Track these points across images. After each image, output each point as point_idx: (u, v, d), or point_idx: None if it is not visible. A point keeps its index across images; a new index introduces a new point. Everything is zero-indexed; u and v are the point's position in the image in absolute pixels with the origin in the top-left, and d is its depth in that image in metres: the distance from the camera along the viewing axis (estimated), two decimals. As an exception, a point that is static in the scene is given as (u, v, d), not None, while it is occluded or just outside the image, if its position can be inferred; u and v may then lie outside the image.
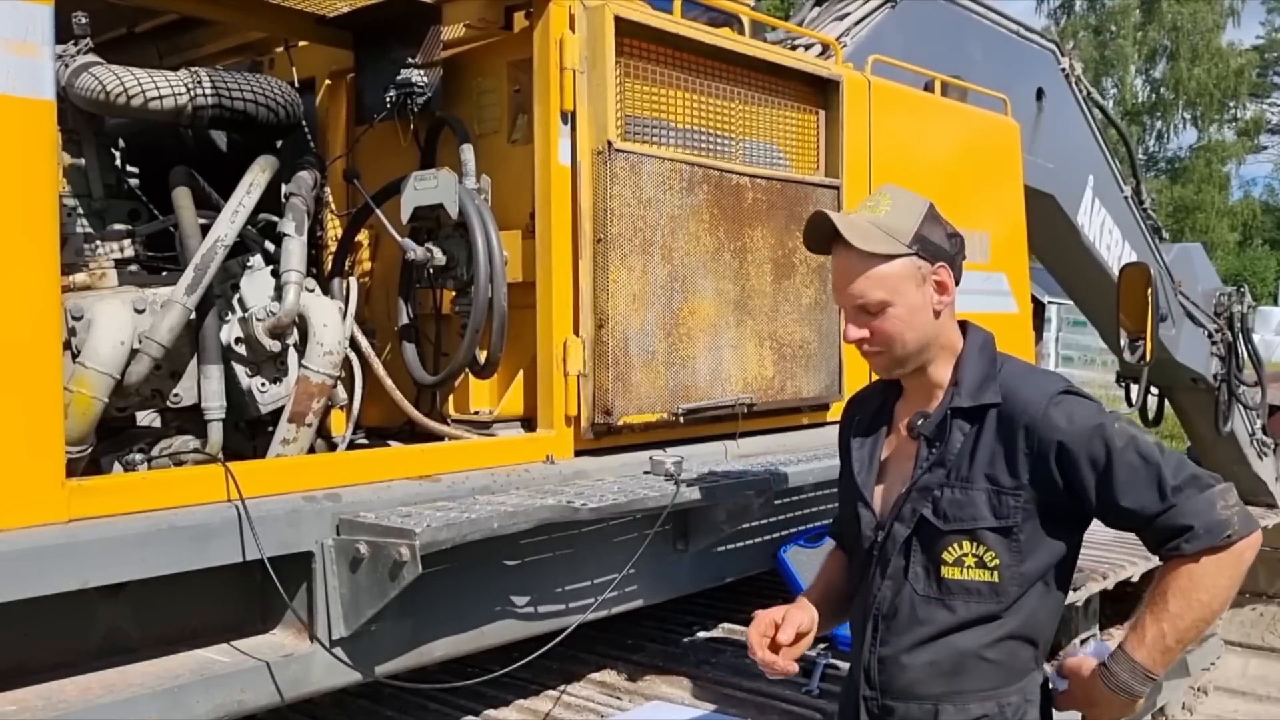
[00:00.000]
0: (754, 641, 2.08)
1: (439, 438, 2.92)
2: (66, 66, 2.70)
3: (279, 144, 3.06)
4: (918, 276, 2.00)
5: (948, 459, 2.00)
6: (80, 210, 2.81)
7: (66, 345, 2.44)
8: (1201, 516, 1.85)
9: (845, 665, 2.49)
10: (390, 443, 3.03)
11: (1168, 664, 1.91)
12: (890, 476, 2.11)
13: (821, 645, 3.03)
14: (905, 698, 2.01)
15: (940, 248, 2.02)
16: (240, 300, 2.79)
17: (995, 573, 1.94)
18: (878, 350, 2.03)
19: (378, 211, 3.02)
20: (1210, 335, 6.97)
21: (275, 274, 2.79)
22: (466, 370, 2.96)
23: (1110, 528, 1.97)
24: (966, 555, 1.96)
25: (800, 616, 2.11)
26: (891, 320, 2.00)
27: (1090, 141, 6.15)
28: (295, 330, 2.78)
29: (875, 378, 2.24)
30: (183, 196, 2.73)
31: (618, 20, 2.89)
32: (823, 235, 2.04)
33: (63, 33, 2.61)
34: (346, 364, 2.84)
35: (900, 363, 2.04)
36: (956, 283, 2.07)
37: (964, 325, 2.12)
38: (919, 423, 2.06)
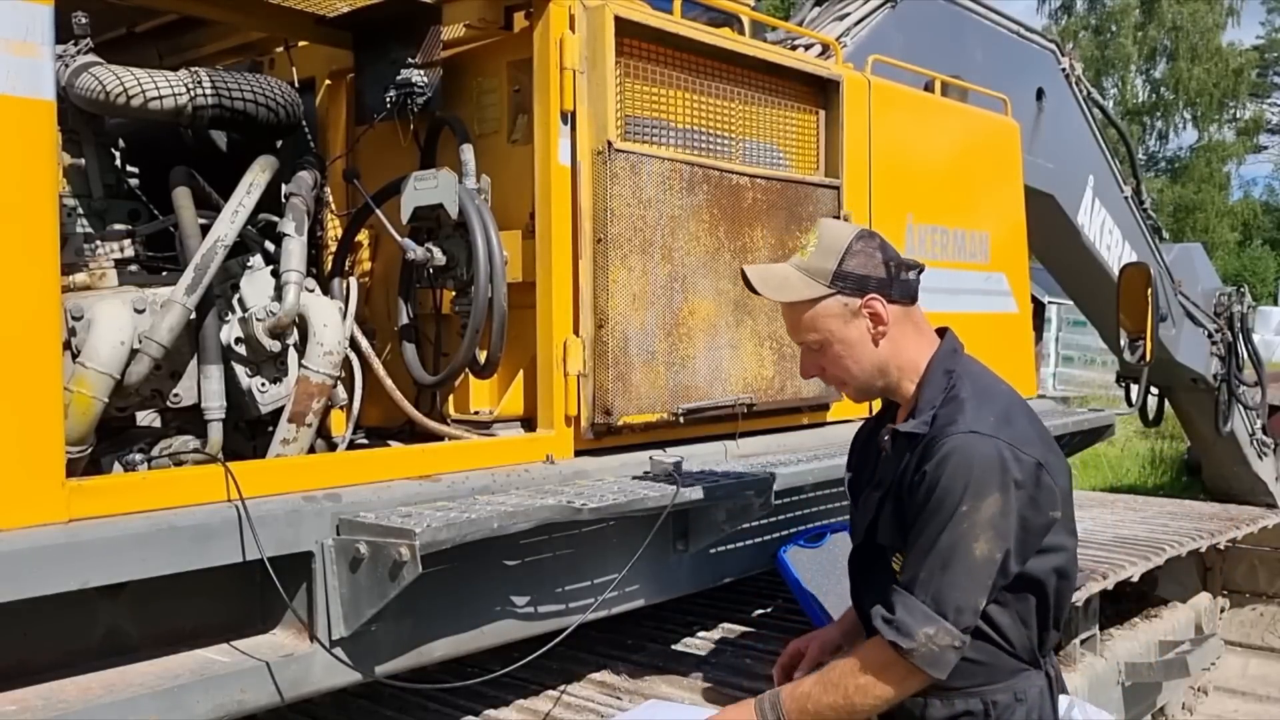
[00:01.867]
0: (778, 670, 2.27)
1: (439, 438, 2.92)
2: (66, 66, 2.70)
3: (279, 144, 3.05)
4: (845, 314, 2.06)
5: (884, 480, 2.09)
6: (80, 210, 2.81)
7: (66, 345, 2.44)
8: (909, 618, 1.90)
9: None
10: (390, 443, 3.03)
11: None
12: (871, 493, 2.21)
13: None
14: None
15: (867, 278, 2.05)
16: (240, 300, 2.79)
17: None
18: (837, 382, 2.14)
19: (378, 211, 3.02)
20: (1210, 335, 6.98)
21: (275, 274, 2.79)
22: (466, 370, 2.96)
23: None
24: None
25: (819, 650, 2.25)
26: (834, 356, 2.09)
27: (1090, 141, 6.15)
28: (295, 330, 2.78)
29: None
30: (183, 196, 2.73)
31: (618, 20, 2.89)
32: (755, 288, 2.14)
33: (63, 33, 2.61)
34: (346, 364, 2.84)
35: (865, 391, 2.13)
36: (912, 300, 2.11)
37: (942, 332, 2.15)
38: (884, 439, 2.16)
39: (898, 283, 2.08)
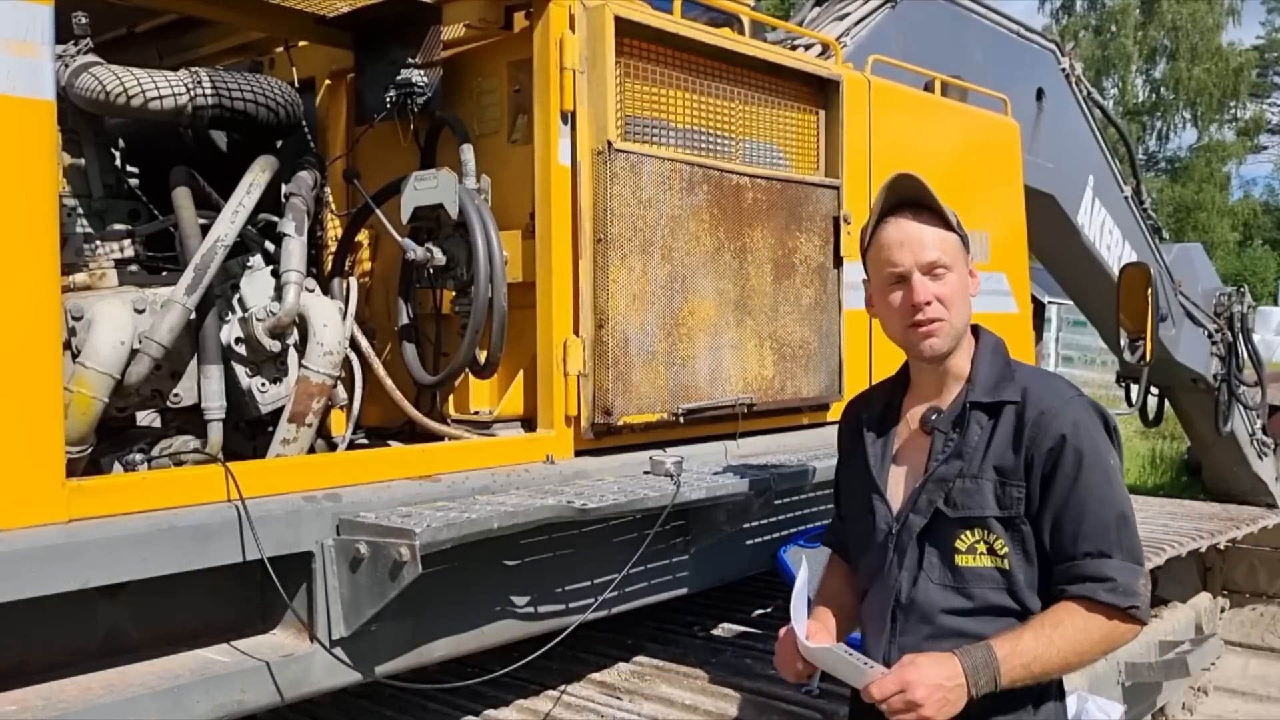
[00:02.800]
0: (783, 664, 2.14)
1: (439, 438, 2.92)
2: (66, 66, 2.70)
3: (279, 144, 3.06)
4: (964, 256, 2.09)
5: (965, 451, 2.04)
6: (80, 210, 2.81)
7: (66, 345, 2.44)
8: (1126, 578, 1.92)
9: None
10: (390, 443, 3.03)
11: (1010, 684, 1.90)
12: (903, 471, 2.14)
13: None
14: None
15: (967, 242, 2.11)
16: (240, 300, 2.79)
17: (1005, 559, 1.98)
18: (940, 319, 2.03)
19: (378, 211, 3.02)
20: (1210, 335, 6.98)
21: (275, 274, 2.79)
22: (466, 370, 2.96)
23: (1031, 538, 1.99)
24: (978, 543, 2.00)
25: (822, 631, 2.16)
26: (953, 286, 2.04)
27: (1090, 141, 6.15)
28: (295, 330, 2.78)
29: (870, 381, 2.25)
30: (183, 196, 2.73)
31: (618, 20, 2.89)
32: (900, 198, 2.07)
33: (63, 33, 2.61)
34: (346, 364, 2.84)
35: (955, 337, 2.06)
36: None
37: (974, 328, 2.16)
38: (933, 417, 2.10)
39: None
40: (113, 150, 3.00)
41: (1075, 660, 1.95)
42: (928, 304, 2.02)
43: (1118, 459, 2.02)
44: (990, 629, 1.98)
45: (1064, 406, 2.00)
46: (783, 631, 2.14)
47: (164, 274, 2.83)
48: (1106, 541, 1.94)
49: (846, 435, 2.32)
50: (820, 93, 3.64)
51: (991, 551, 2.00)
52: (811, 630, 2.11)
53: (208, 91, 2.79)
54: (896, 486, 2.14)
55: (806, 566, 2.25)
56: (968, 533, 2.01)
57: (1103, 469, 1.97)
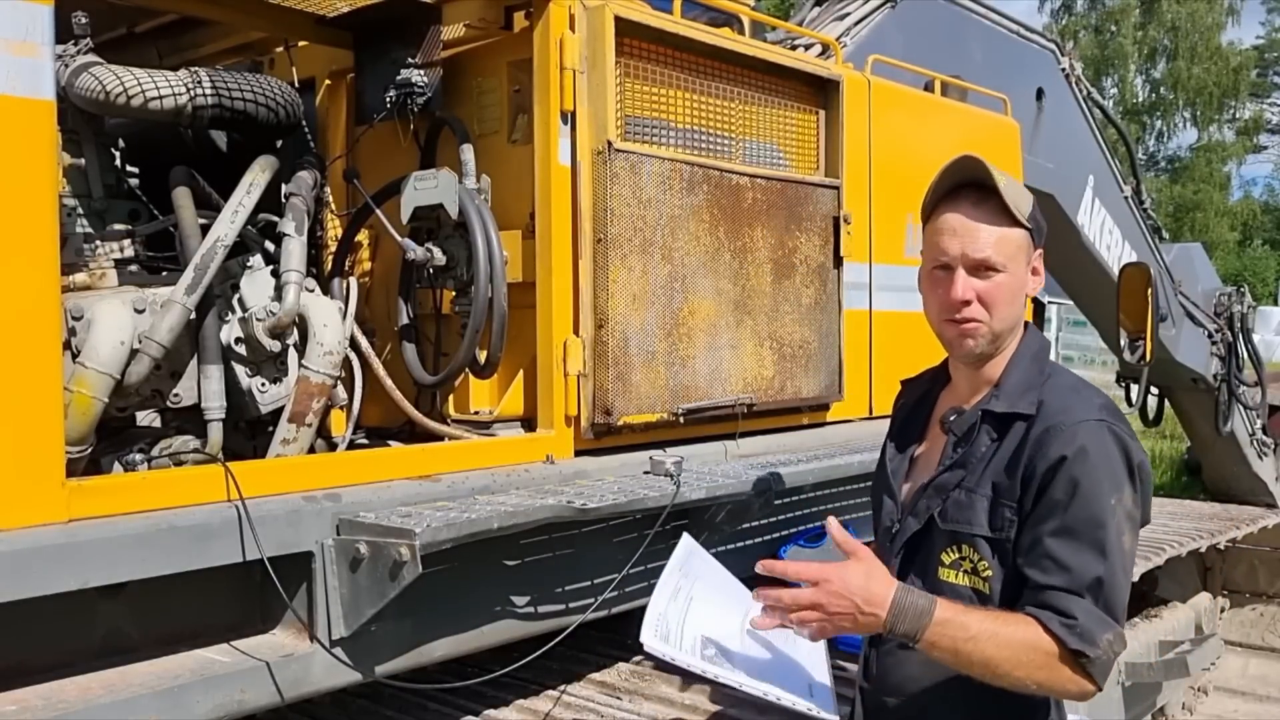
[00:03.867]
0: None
1: (439, 438, 2.92)
2: (66, 66, 2.70)
3: (279, 144, 3.06)
4: (1028, 253, 1.94)
5: (969, 461, 1.93)
6: (80, 210, 2.81)
7: (66, 345, 2.44)
8: (1090, 624, 1.76)
9: (849, 666, 2.49)
10: (390, 443, 3.03)
11: (928, 647, 1.78)
12: (919, 469, 2.06)
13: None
14: (898, 694, 1.99)
15: (1043, 233, 1.97)
16: (240, 300, 2.79)
17: (985, 583, 1.87)
18: (978, 321, 1.91)
19: (378, 211, 3.02)
20: (1210, 335, 6.98)
21: (275, 274, 2.79)
22: (466, 370, 2.96)
23: (1008, 556, 1.86)
24: (963, 560, 1.90)
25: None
26: (1000, 287, 1.90)
27: (1090, 141, 6.16)
28: (295, 330, 2.78)
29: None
30: (183, 196, 2.73)
31: (618, 20, 2.89)
32: (960, 179, 1.93)
33: (63, 33, 2.61)
34: (346, 364, 2.84)
35: (994, 340, 1.93)
36: None
37: (1025, 324, 2.03)
38: (950, 419, 2.00)
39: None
40: (113, 150, 3.00)
41: (1001, 670, 1.77)
42: (965, 303, 1.90)
43: (1129, 499, 1.82)
44: None
45: (1075, 427, 1.82)
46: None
47: (164, 274, 2.83)
48: (1081, 578, 1.77)
49: (892, 420, 2.23)
50: (820, 93, 3.64)
51: (974, 572, 1.89)
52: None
53: (208, 91, 2.79)
54: (907, 485, 2.06)
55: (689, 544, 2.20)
56: (953, 548, 1.92)
57: (1098, 506, 1.78)
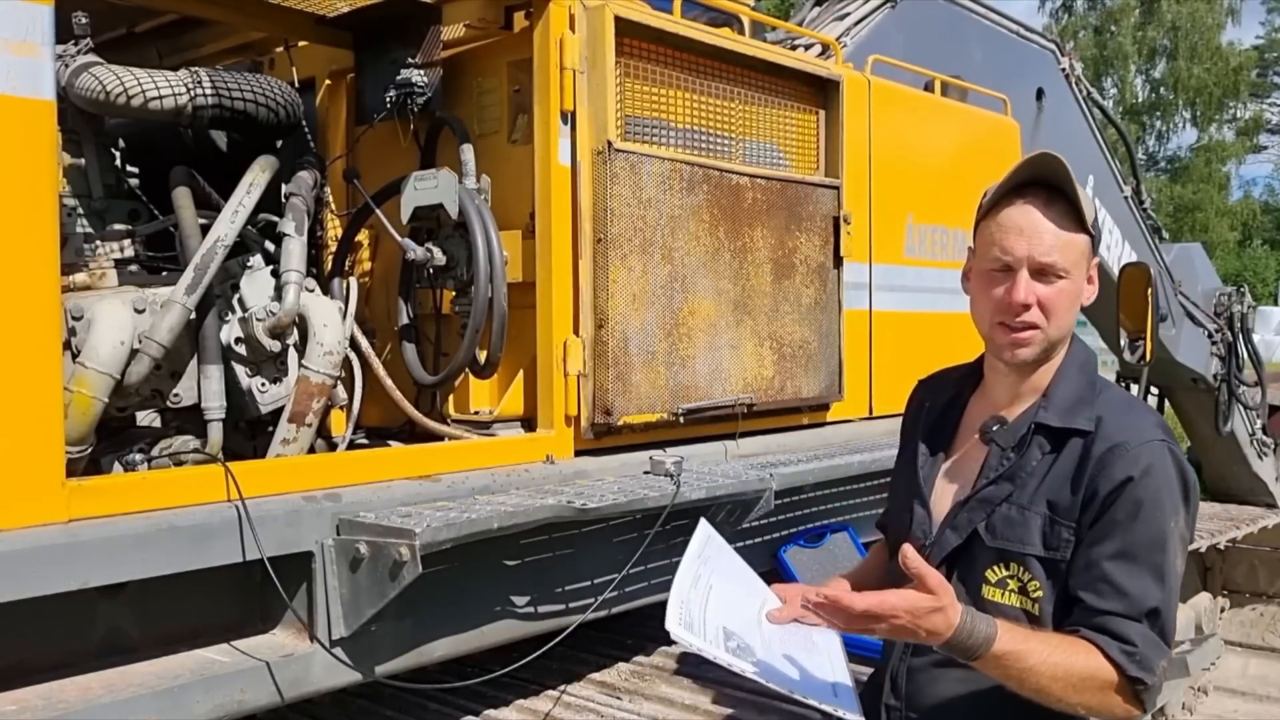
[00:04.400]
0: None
1: (439, 438, 2.92)
2: (66, 66, 2.70)
3: (279, 144, 3.06)
4: (1084, 261, 1.86)
5: (1019, 475, 1.85)
6: (80, 210, 2.81)
7: (66, 345, 2.44)
8: (1148, 650, 1.73)
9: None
10: (390, 443, 3.03)
11: (982, 669, 1.72)
12: (952, 478, 1.97)
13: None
14: (931, 714, 1.92)
15: (1099, 242, 1.90)
16: (240, 300, 2.79)
17: (1035, 604, 1.81)
18: (1034, 326, 1.83)
19: (378, 211, 3.02)
20: (1210, 335, 6.98)
21: (275, 274, 2.79)
22: (466, 370, 2.96)
23: (1061, 577, 1.81)
24: (1011, 579, 1.83)
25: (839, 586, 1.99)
26: (1062, 293, 1.82)
27: (1090, 141, 6.15)
28: (295, 330, 2.78)
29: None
30: (183, 196, 2.73)
31: (618, 20, 2.89)
32: (1031, 176, 1.86)
33: (63, 33, 2.61)
34: (346, 364, 2.84)
35: (1048, 347, 1.86)
36: None
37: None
38: (994, 429, 1.91)
39: None
40: (113, 150, 3.00)
41: (1053, 696, 1.72)
42: (1026, 308, 1.81)
43: (1184, 522, 1.79)
44: None
45: (1140, 448, 1.77)
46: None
47: (164, 274, 2.83)
48: (1139, 606, 1.74)
49: (908, 422, 2.15)
50: (820, 93, 3.64)
51: (1023, 592, 1.82)
52: (789, 595, 1.99)
53: (208, 91, 2.79)
54: (942, 496, 1.96)
55: (707, 530, 2.11)
56: (1001, 566, 1.83)
57: (1160, 529, 1.75)
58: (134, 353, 2.49)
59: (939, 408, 2.06)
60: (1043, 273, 1.81)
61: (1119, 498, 1.75)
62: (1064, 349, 1.92)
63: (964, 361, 2.13)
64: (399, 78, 2.98)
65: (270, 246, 2.89)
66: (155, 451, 2.64)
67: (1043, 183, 1.85)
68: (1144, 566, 1.75)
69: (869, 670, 2.21)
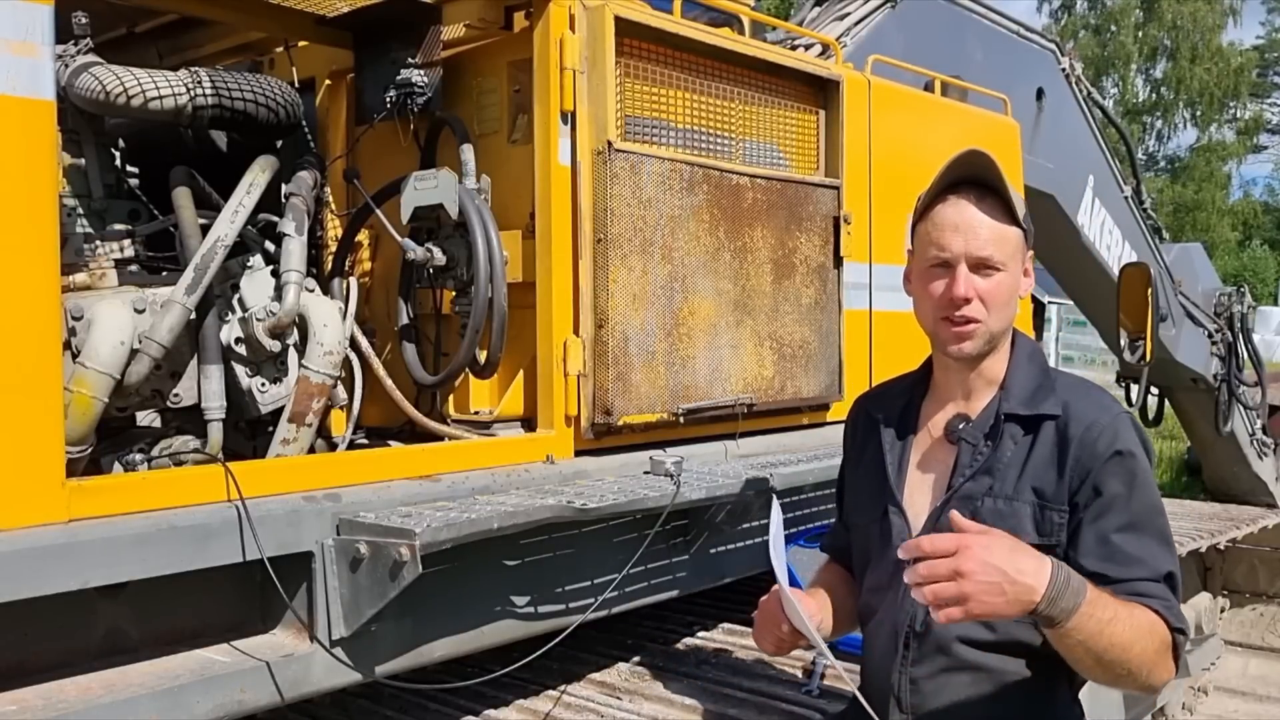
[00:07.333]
0: (764, 635, 1.99)
1: (439, 438, 2.92)
2: (66, 66, 2.70)
3: (279, 144, 3.06)
4: (1024, 253, 1.93)
5: (995, 467, 1.87)
6: (80, 210, 2.81)
7: (66, 345, 2.44)
8: (1175, 606, 1.80)
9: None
10: (390, 443, 3.03)
11: (1075, 628, 1.65)
12: (920, 484, 1.98)
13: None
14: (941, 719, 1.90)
15: (1032, 233, 1.96)
16: (240, 300, 2.79)
17: None
18: (976, 320, 1.87)
19: (378, 211, 3.02)
20: (1210, 335, 6.98)
21: (275, 274, 2.79)
22: (466, 370, 2.96)
23: (1067, 552, 1.82)
24: None
25: (810, 604, 2.01)
26: (1000, 286, 1.88)
27: (1090, 141, 6.15)
28: (295, 330, 2.78)
29: (870, 382, 2.15)
30: (183, 196, 2.73)
31: (618, 20, 2.89)
32: (962, 175, 1.93)
33: (63, 33, 2.61)
34: (346, 364, 2.84)
35: (990, 341, 1.90)
36: None
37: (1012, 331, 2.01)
38: (960, 426, 1.94)
39: None
40: (113, 150, 3.00)
41: (1131, 652, 1.69)
42: (966, 301, 1.86)
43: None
44: (1013, 665, 1.85)
45: (1113, 422, 1.84)
46: (763, 600, 1.99)
47: (164, 274, 2.83)
48: (1156, 570, 1.79)
49: (856, 434, 2.16)
50: (820, 93, 3.64)
51: None
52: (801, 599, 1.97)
53: (208, 91, 2.79)
54: (915, 499, 1.97)
55: (778, 512, 2.04)
56: None
57: (1154, 495, 1.83)
58: (134, 353, 2.49)
59: (894, 418, 2.07)
60: (980, 266, 1.88)
61: (1111, 472, 1.81)
62: (1008, 341, 1.97)
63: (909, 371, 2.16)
64: (399, 78, 2.98)
65: (270, 246, 2.89)
66: (155, 451, 2.64)
67: (974, 181, 1.92)
68: (1151, 534, 1.82)
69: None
